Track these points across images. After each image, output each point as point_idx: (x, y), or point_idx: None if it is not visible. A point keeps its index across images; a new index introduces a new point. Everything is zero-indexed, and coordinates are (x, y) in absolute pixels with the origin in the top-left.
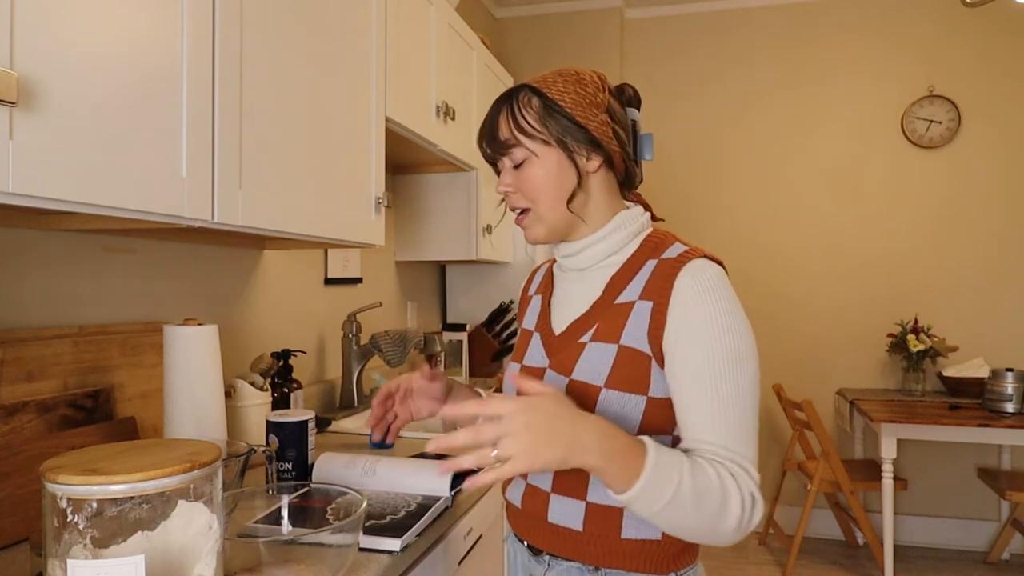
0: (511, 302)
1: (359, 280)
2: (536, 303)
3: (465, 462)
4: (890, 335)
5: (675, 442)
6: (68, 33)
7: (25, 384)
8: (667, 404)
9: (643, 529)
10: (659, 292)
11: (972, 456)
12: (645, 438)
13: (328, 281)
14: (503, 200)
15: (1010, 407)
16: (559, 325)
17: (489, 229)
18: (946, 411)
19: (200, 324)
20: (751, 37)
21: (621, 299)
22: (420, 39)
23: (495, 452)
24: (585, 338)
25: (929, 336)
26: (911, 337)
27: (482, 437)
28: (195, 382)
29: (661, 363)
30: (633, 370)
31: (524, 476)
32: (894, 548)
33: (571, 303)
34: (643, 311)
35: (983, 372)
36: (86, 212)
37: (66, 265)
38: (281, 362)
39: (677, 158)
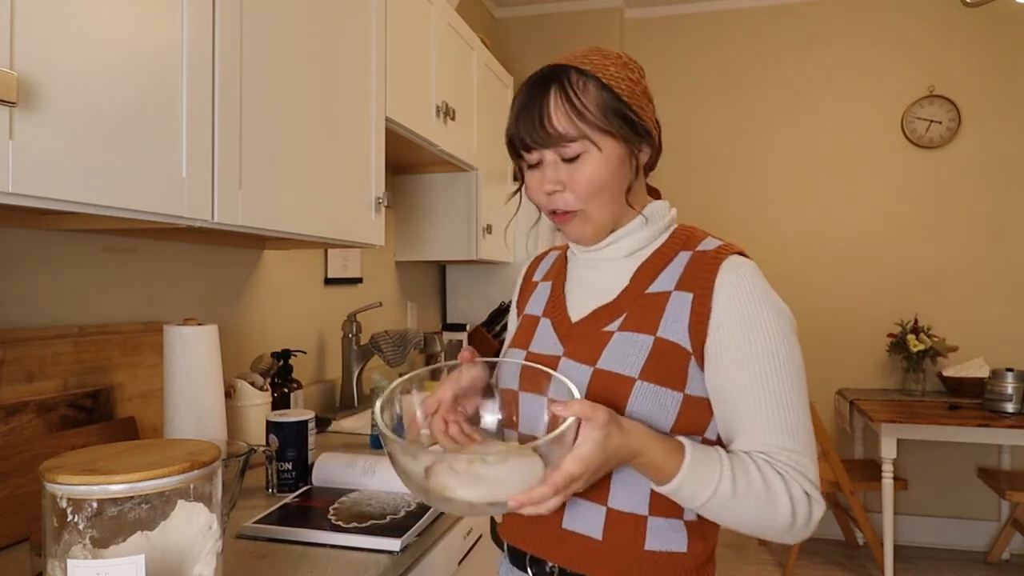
0: (511, 302)
1: (359, 280)
2: (544, 289)
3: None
4: (890, 335)
5: (706, 444)
6: (68, 33)
7: (25, 384)
8: (701, 404)
9: (670, 539)
10: (699, 284)
11: (972, 456)
12: (684, 441)
13: (328, 281)
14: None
15: (1010, 407)
16: (577, 312)
17: (489, 229)
18: (946, 411)
19: (200, 324)
20: (750, 36)
21: (653, 289)
22: (420, 39)
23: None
24: (612, 327)
25: (929, 336)
26: (911, 337)
27: (554, 489)
28: (195, 382)
29: (700, 361)
30: (670, 364)
31: None
32: (894, 548)
33: (591, 290)
34: (682, 302)
35: (983, 372)
36: (86, 212)
37: (66, 265)
38: (281, 362)
39: (674, 158)
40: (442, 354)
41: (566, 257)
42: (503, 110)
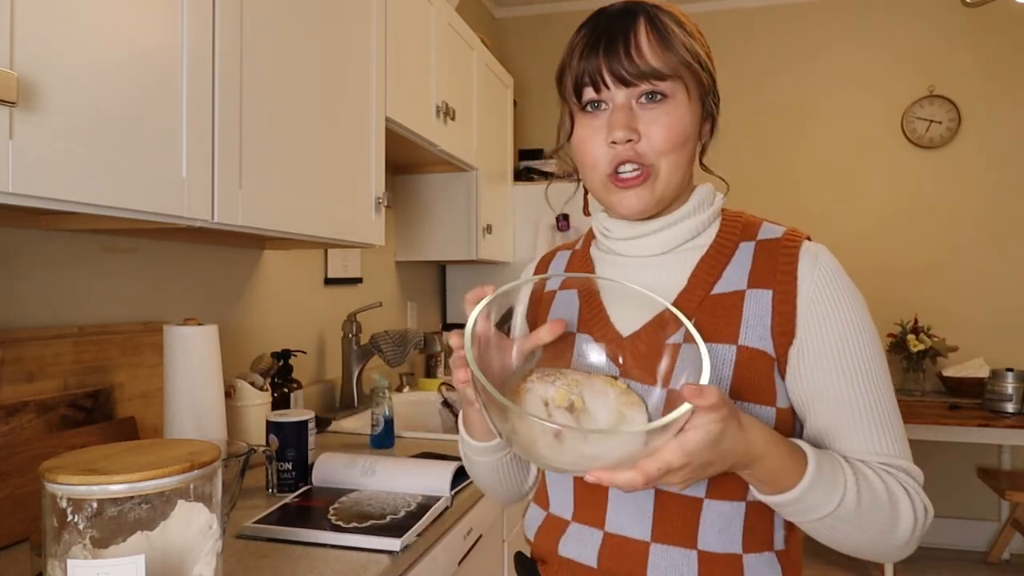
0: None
1: (359, 280)
2: (568, 299)
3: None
4: (890, 335)
5: None
6: (68, 33)
7: (25, 384)
8: (788, 416)
9: None
10: (778, 279)
11: (972, 456)
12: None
13: (328, 281)
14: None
15: (1010, 407)
16: (625, 323)
17: (489, 229)
18: (946, 411)
19: (200, 324)
20: (750, 37)
21: (721, 288)
22: (420, 39)
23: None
24: (678, 337)
25: (929, 336)
26: (911, 337)
27: (646, 478)
28: (195, 382)
29: (782, 366)
30: (757, 376)
31: (597, 522)
32: None
33: (637, 294)
34: (760, 302)
35: (983, 372)
36: (86, 212)
37: (66, 265)
38: (281, 362)
39: None
40: (442, 354)
41: (588, 256)
42: (503, 110)
